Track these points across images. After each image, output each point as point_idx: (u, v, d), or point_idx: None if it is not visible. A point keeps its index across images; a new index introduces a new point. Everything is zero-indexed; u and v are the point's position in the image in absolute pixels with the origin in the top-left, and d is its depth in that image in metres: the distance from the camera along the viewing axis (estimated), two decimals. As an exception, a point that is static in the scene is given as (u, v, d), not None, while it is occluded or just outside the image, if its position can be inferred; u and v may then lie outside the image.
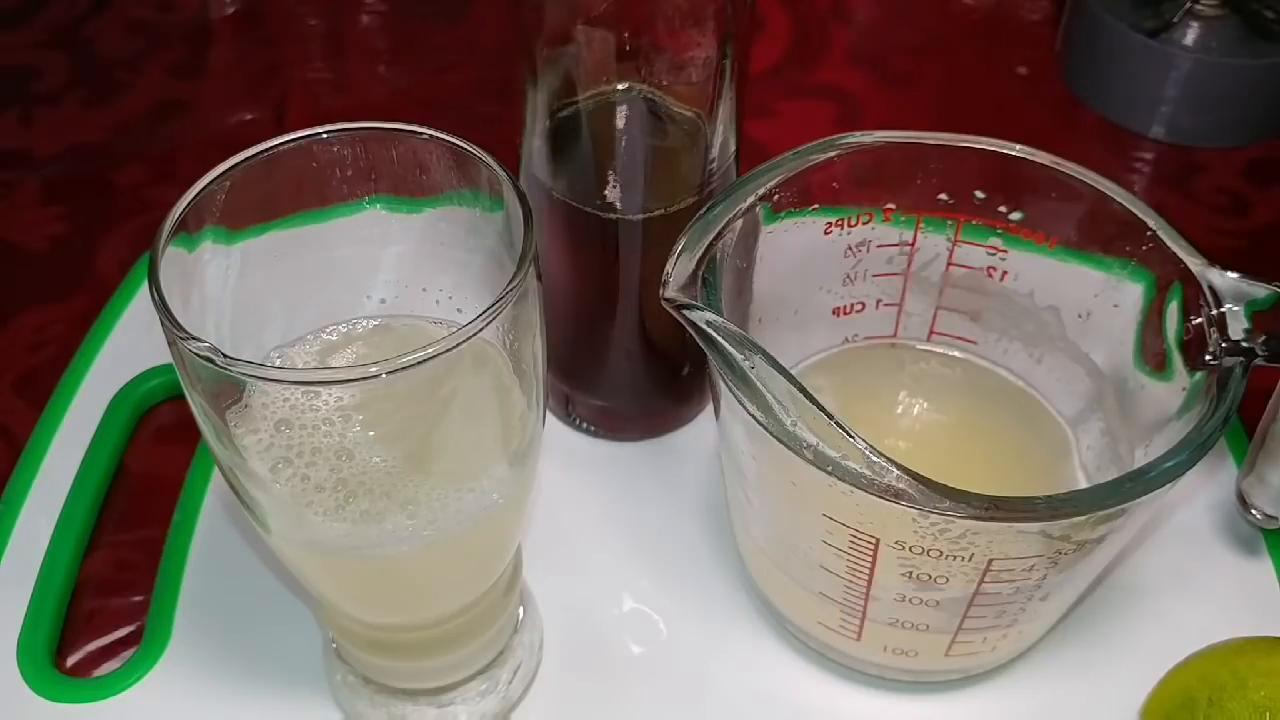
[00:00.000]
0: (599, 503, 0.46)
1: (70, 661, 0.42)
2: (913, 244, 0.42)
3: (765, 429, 0.33)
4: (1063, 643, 0.41)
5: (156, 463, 0.47)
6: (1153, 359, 0.39)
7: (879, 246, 0.42)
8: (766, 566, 0.41)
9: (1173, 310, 0.38)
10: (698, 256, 0.36)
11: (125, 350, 0.50)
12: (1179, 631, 0.40)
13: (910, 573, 0.35)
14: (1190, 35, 0.59)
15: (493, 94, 0.62)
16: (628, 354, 0.44)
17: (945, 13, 0.70)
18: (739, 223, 0.37)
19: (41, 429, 0.47)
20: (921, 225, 0.41)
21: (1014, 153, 0.40)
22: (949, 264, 0.42)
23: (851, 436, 0.32)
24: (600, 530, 0.45)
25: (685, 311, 0.34)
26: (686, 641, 0.42)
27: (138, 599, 0.43)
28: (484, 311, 0.29)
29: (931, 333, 0.45)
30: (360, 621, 0.36)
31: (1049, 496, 0.32)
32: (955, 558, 0.34)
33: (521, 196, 0.31)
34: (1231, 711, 0.35)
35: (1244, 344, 0.35)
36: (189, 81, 0.65)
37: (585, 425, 0.48)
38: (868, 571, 0.35)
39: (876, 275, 0.43)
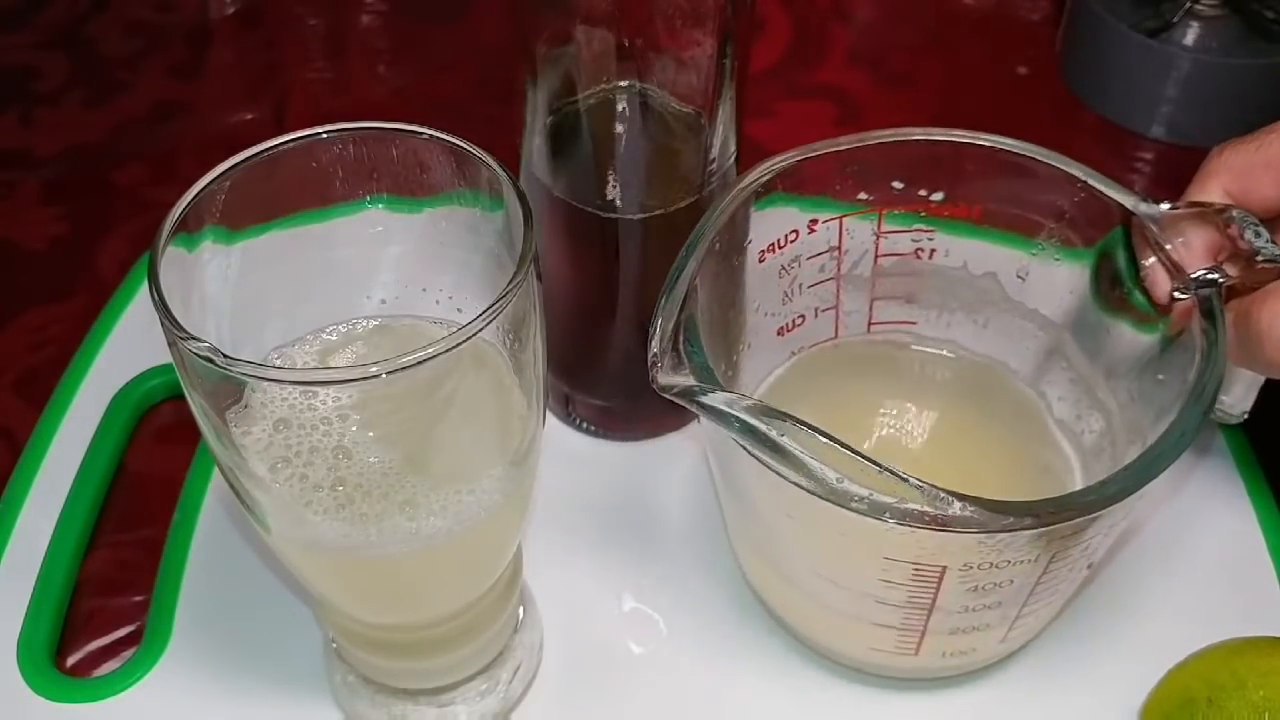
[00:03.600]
0: (599, 503, 0.45)
1: (70, 661, 0.42)
2: (839, 246, 0.42)
3: (809, 491, 0.32)
4: (1063, 642, 0.41)
5: (156, 463, 0.47)
6: (1114, 301, 0.39)
7: (809, 259, 0.42)
8: (794, 601, 0.40)
9: (1121, 253, 0.38)
10: (673, 324, 0.34)
11: (125, 350, 0.50)
12: (1179, 631, 0.40)
13: (976, 586, 0.35)
14: (1190, 35, 0.59)
15: (493, 94, 0.62)
16: (628, 354, 0.44)
17: (945, 13, 0.70)
18: (702, 276, 0.36)
19: (41, 429, 0.47)
20: (846, 227, 0.41)
21: (923, 137, 0.39)
22: (877, 257, 0.42)
23: (905, 479, 0.31)
24: (600, 530, 0.45)
25: (697, 398, 0.33)
26: (686, 641, 0.42)
27: (138, 599, 0.43)
28: (484, 311, 0.29)
29: (870, 324, 0.44)
30: (360, 621, 0.36)
31: (1102, 484, 0.32)
32: (1022, 562, 0.34)
33: (521, 196, 0.31)
34: (1230, 711, 0.35)
35: (1207, 275, 0.35)
36: (189, 81, 0.65)
37: (585, 425, 0.48)
38: (931, 597, 0.35)
39: (811, 286, 0.42)
